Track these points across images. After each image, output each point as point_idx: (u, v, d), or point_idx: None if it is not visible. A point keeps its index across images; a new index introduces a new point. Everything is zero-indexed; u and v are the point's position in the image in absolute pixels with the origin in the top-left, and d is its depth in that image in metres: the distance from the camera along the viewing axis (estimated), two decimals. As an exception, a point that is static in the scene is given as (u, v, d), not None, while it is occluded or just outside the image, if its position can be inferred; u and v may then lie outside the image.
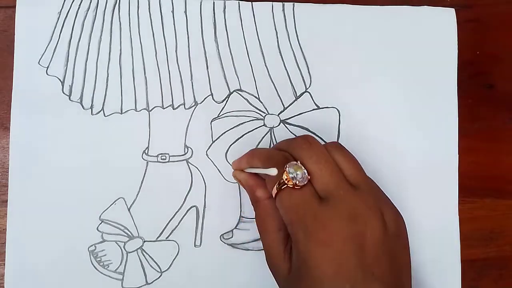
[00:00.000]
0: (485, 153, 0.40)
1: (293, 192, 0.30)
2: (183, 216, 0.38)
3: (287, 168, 0.30)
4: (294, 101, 0.39)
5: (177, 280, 0.37)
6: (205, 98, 0.39)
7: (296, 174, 0.30)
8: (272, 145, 0.39)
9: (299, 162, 0.31)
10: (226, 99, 0.39)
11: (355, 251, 0.29)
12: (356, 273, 0.28)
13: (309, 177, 0.30)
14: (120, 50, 0.39)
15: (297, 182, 0.30)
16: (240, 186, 0.38)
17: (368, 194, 0.31)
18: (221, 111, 0.39)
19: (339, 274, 0.28)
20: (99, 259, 0.37)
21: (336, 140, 0.39)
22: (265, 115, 0.39)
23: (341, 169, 0.31)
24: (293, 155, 0.32)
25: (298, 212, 0.30)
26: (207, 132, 0.39)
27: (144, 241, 0.38)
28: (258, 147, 0.39)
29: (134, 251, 0.37)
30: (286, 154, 0.32)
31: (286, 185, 0.30)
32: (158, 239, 0.38)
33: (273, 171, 0.31)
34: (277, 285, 0.37)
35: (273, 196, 0.32)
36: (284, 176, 0.30)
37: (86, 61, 0.39)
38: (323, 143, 0.39)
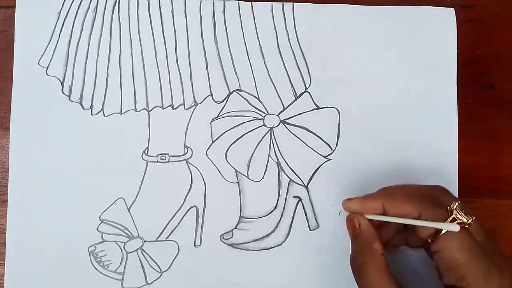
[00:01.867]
0: (485, 153, 0.40)
1: (459, 235, 0.30)
2: (183, 216, 0.38)
3: (455, 205, 0.30)
4: (294, 101, 0.39)
5: (177, 280, 0.37)
6: (205, 98, 0.39)
7: (464, 212, 0.30)
8: (271, 146, 0.39)
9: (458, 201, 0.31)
10: (226, 99, 0.39)
11: None
12: None
13: (473, 218, 0.31)
14: (120, 50, 0.39)
15: (469, 221, 0.30)
16: (240, 186, 0.38)
17: None
18: (221, 111, 0.39)
19: None
20: (99, 259, 0.37)
21: (336, 141, 0.39)
22: (265, 115, 0.39)
23: None
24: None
25: (470, 255, 0.30)
26: (207, 132, 0.39)
27: (144, 241, 0.38)
28: (257, 148, 0.39)
29: (134, 251, 0.37)
30: (432, 198, 0.32)
31: (447, 229, 0.30)
32: (158, 239, 0.38)
33: (456, 228, 0.30)
34: (276, 284, 0.37)
35: (430, 240, 0.31)
36: (458, 215, 0.30)
37: (86, 62, 0.39)
38: (323, 143, 0.39)
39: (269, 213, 0.38)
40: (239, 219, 0.38)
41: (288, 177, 0.39)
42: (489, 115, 0.41)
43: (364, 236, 0.33)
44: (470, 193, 0.40)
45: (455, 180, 0.39)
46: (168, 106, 0.39)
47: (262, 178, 0.39)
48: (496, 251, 0.31)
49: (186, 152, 0.38)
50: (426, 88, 0.40)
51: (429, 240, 0.31)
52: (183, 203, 0.38)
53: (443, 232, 0.30)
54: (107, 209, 0.37)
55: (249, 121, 0.39)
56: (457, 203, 0.30)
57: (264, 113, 0.39)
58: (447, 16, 0.41)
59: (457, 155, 0.39)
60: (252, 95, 0.39)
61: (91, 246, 0.37)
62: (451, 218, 0.30)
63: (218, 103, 0.39)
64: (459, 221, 0.30)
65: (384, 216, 0.32)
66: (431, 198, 0.32)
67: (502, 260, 0.31)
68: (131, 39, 0.39)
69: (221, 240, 0.38)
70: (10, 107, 0.38)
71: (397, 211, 0.32)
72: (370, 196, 0.33)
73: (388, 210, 0.32)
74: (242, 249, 0.38)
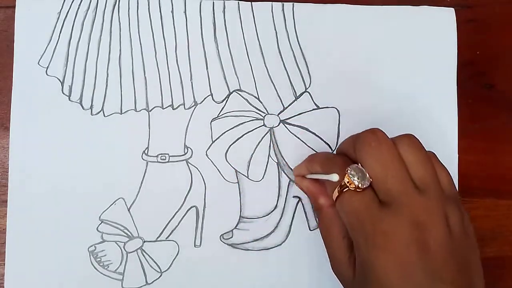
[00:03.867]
0: (485, 153, 0.40)
1: (354, 195, 0.29)
2: (183, 216, 0.38)
3: (348, 171, 0.29)
4: (294, 101, 0.39)
5: (177, 280, 0.37)
6: (204, 98, 0.39)
7: (358, 177, 0.29)
8: (271, 146, 0.39)
9: (359, 164, 0.30)
10: (226, 99, 0.39)
11: (420, 257, 0.28)
12: (423, 278, 0.28)
13: (371, 180, 0.29)
14: (120, 50, 0.39)
15: (359, 185, 0.29)
16: (240, 186, 0.38)
17: (434, 198, 0.29)
18: (220, 111, 0.39)
19: (405, 280, 0.28)
20: (99, 259, 0.37)
21: (336, 141, 0.39)
22: (265, 115, 0.39)
23: (409, 170, 0.30)
24: (357, 154, 0.30)
25: (359, 217, 0.29)
26: (207, 132, 0.39)
27: (144, 241, 0.38)
28: (257, 148, 0.39)
29: (134, 251, 0.37)
30: (345, 157, 0.32)
31: (347, 189, 0.30)
32: (158, 239, 0.38)
33: (334, 177, 0.30)
34: (276, 284, 0.37)
35: (334, 199, 0.31)
36: (346, 179, 0.29)
37: (86, 61, 0.39)
38: (323, 143, 0.39)
39: (269, 213, 0.38)
40: (239, 219, 0.38)
41: (288, 177, 0.39)
42: (489, 115, 0.41)
43: (310, 194, 0.36)
44: (470, 193, 0.40)
45: (455, 180, 0.39)
46: (168, 106, 0.39)
47: (262, 178, 0.39)
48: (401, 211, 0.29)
49: (186, 152, 0.38)
50: (426, 88, 0.40)
51: (334, 199, 0.31)
52: (183, 203, 0.38)
53: (335, 192, 0.31)
54: (107, 209, 0.37)
55: (249, 121, 0.39)
56: (353, 167, 0.30)
57: (264, 113, 0.39)
58: (447, 16, 0.41)
59: (457, 155, 0.40)
60: (252, 95, 0.39)
61: (91, 246, 0.37)
62: (344, 182, 0.30)
63: (218, 103, 0.39)
64: (348, 182, 0.29)
65: (311, 174, 0.35)
66: (341, 161, 0.31)
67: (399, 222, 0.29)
68: (131, 39, 0.39)
69: (221, 240, 0.38)
70: (10, 107, 0.38)
71: (312, 170, 0.35)
72: (303, 160, 0.36)
73: (309, 170, 0.35)
74: (242, 249, 0.38)
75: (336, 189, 0.30)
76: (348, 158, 0.31)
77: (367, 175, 0.29)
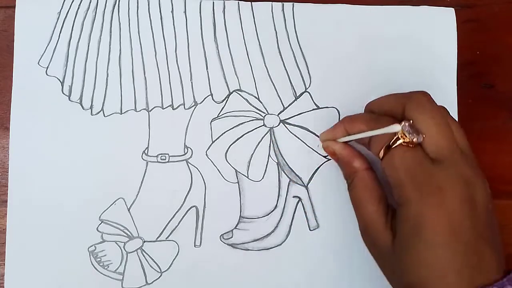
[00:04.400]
0: (485, 153, 0.40)
1: (407, 151, 0.30)
2: (183, 216, 0.38)
3: (403, 126, 0.29)
4: (294, 101, 0.39)
5: (177, 280, 0.37)
6: (204, 98, 0.39)
7: (413, 132, 0.29)
8: (271, 146, 0.39)
9: (411, 121, 0.30)
10: (226, 99, 0.39)
11: (469, 214, 0.29)
12: (470, 235, 0.28)
13: (424, 137, 0.30)
14: (120, 50, 0.39)
15: (414, 140, 0.29)
16: (240, 186, 0.38)
17: (474, 162, 0.31)
18: (220, 111, 0.39)
19: (453, 236, 0.28)
20: (99, 259, 0.37)
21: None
22: (265, 115, 0.39)
23: (452, 133, 0.31)
24: (412, 112, 0.30)
25: (412, 173, 0.29)
26: (207, 132, 0.39)
27: (144, 241, 0.38)
28: (257, 148, 0.39)
29: (134, 251, 0.37)
30: (389, 116, 0.32)
31: (396, 145, 0.30)
32: (158, 239, 0.38)
33: (395, 128, 0.29)
34: (276, 284, 0.37)
35: (380, 157, 0.31)
36: (400, 134, 0.29)
37: (86, 62, 0.39)
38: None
39: (269, 213, 0.38)
40: (239, 219, 0.38)
41: (288, 177, 0.39)
42: (489, 115, 0.41)
43: (344, 157, 0.35)
44: (470, 193, 0.40)
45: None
46: (168, 106, 0.39)
47: (262, 178, 0.39)
48: (460, 167, 0.30)
49: (186, 152, 0.38)
50: (426, 88, 0.40)
51: (380, 157, 0.31)
52: (183, 203, 0.38)
53: (392, 147, 0.30)
54: (107, 209, 0.37)
55: (249, 121, 0.39)
56: (407, 123, 0.30)
57: (264, 113, 0.39)
58: (447, 16, 0.41)
59: (457, 155, 0.39)
60: (252, 95, 0.39)
61: (91, 246, 0.37)
62: (395, 138, 0.30)
63: (218, 103, 0.39)
64: (403, 140, 0.29)
65: (349, 136, 0.34)
66: (387, 119, 0.32)
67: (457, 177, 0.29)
68: (131, 39, 0.39)
69: (221, 240, 0.38)
70: (10, 107, 0.38)
71: (353, 131, 0.34)
72: (337, 123, 0.35)
73: (349, 132, 0.34)
74: (242, 249, 0.38)
75: (385, 146, 0.30)
76: (390, 118, 0.32)
77: (420, 132, 0.30)
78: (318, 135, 0.39)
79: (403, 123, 0.29)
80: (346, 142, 0.35)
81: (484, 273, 0.28)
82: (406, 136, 0.29)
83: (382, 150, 0.31)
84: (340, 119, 0.39)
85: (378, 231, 0.32)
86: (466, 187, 0.29)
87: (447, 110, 0.32)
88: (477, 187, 0.30)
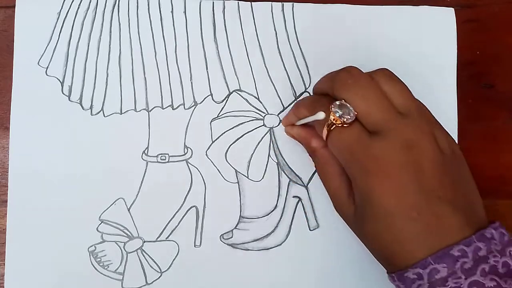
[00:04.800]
0: (485, 153, 0.40)
1: (342, 131, 0.30)
2: (183, 216, 0.38)
3: (332, 109, 0.30)
4: (294, 101, 0.39)
5: (177, 280, 0.37)
6: (204, 98, 0.39)
7: (343, 112, 0.30)
8: (271, 146, 0.39)
9: (343, 100, 0.30)
10: (226, 99, 0.39)
11: (415, 178, 0.28)
12: (420, 199, 0.28)
13: (356, 113, 0.30)
14: (120, 50, 0.39)
15: (345, 120, 0.30)
16: (240, 186, 0.38)
17: (419, 120, 0.30)
18: (220, 111, 0.39)
19: (402, 203, 0.28)
20: (99, 259, 0.37)
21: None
22: (265, 115, 0.39)
23: (390, 98, 0.30)
24: (338, 92, 0.31)
25: (351, 150, 0.30)
26: (206, 132, 0.39)
27: (144, 242, 0.38)
28: (257, 148, 0.39)
29: (134, 251, 0.37)
30: (329, 97, 0.32)
31: (334, 126, 0.30)
32: (158, 239, 0.38)
33: (320, 115, 0.30)
34: (276, 284, 0.37)
35: (325, 139, 0.32)
36: (331, 117, 0.30)
37: (86, 62, 0.39)
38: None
39: (269, 213, 0.38)
40: (239, 219, 0.38)
41: (288, 177, 0.39)
42: (489, 115, 0.41)
43: (302, 139, 0.36)
44: (470, 193, 0.40)
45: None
46: (168, 106, 0.39)
47: (262, 178, 0.39)
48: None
49: (186, 152, 0.38)
50: (425, 88, 0.40)
51: (324, 141, 0.32)
52: (183, 203, 0.38)
53: (324, 131, 0.31)
54: (107, 209, 0.37)
55: (249, 121, 0.39)
56: (336, 105, 0.30)
57: (264, 113, 0.39)
58: (447, 16, 0.40)
59: (457, 155, 0.39)
60: (252, 95, 0.39)
61: (91, 246, 0.37)
62: (330, 116, 0.30)
63: (218, 103, 0.39)
64: (333, 119, 0.30)
65: (300, 120, 0.35)
66: (324, 101, 0.32)
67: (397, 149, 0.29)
68: (130, 39, 0.39)
69: (221, 240, 0.38)
70: (10, 107, 0.38)
71: (299, 116, 0.35)
72: (290, 109, 0.37)
73: (297, 117, 0.35)
74: (242, 249, 0.38)
75: (325, 128, 0.31)
76: (332, 96, 0.32)
77: (352, 109, 0.30)
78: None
79: (331, 106, 0.30)
80: (303, 124, 0.36)
81: (447, 234, 0.28)
82: (338, 118, 0.30)
83: (324, 131, 0.31)
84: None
85: (342, 203, 0.33)
86: (406, 151, 0.29)
87: (381, 73, 0.32)
88: (422, 146, 0.29)
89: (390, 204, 0.28)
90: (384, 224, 0.29)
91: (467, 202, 0.30)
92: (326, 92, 0.33)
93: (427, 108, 0.32)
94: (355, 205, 0.31)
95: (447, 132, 0.32)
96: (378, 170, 0.29)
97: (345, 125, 0.30)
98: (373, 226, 0.29)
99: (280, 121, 0.39)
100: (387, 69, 0.32)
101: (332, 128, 0.31)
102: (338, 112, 0.30)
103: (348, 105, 0.30)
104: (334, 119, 0.30)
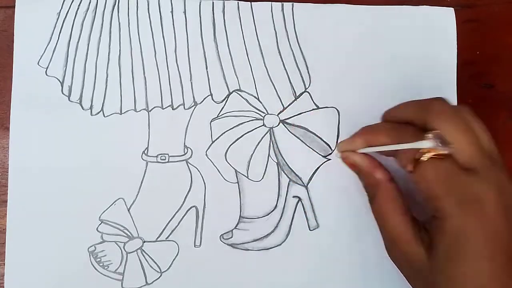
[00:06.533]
0: (485, 153, 0.40)
1: (438, 163, 0.29)
2: (183, 216, 0.38)
3: (430, 137, 0.29)
4: (294, 101, 0.39)
5: (177, 280, 0.37)
6: (204, 98, 0.39)
7: (440, 144, 0.29)
8: (271, 146, 0.39)
9: (438, 131, 0.29)
10: (226, 99, 0.39)
11: (508, 224, 0.28)
12: (510, 245, 0.28)
13: (453, 147, 0.29)
14: (120, 50, 0.39)
15: (445, 152, 0.29)
16: (240, 186, 0.38)
17: (503, 165, 0.30)
18: (220, 111, 0.39)
19: (496, 247, 0.28)
20: (99, 259, 0.37)
21: (336, 140, 0.39)
22: (265, 115, 0.39)
23: (477, 137, 0.30)
24: (435, 123, 0.29)
25: (447, 185, 0.29)
26: (206, 132, 0.39)
27: (144, 242, 0.38)
28: (257, 148, 0.39)
29: (134, 251, 0.37)
30: (412, 126, 0.31)
31: (427, 157, 0.29)
32: (158, 239, 0.38)
33: (426, 144, 0.29)
34: (276, 284, 0.37)
35: (409, 170, 0.30)
36: (426, 147, 0.29)
37: (85, 62, 0.39)
38: (323, 143, 0.39)
39: (269, 213, 0.38)
40: (239, 219, 0.38)
41: (288, 177, 0.39)
42: (489, 115, 0.41)
43: (365, 169, 0.34)
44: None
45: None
46: (168, 106, 0.39)
47: (262, 178, 0.39)
48: (491, 173, 0.29)
49: (186, 152, 0.38)
50: (425, 88, 0.40)
51: (409, 171, 0.30)
52: (183, 203, 0.38)
53: (421, 159, 0.30)
54: (107, 209, 0.37)
55: (249, 121, 0.39)
56: (432, 134, 0.29)
57: (264, 113, 0.39)
58: (447, 16, 0.40)
59: (457, 155, 0.39)
60: (252, 95, 0.39)
61: (91, 246, 0.37)
62: (423, 150, 0.29)
63: (218, 103, 0.39)
64: (433, 152, 0.29)
65: (370, 148, 0.33)
66: (409, 129, 0.31)
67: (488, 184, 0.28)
68: (130, 40, 0.39)
69: (221, 240, 0.38)
70: (10, 107, 0.38)
71: (375, 143, 0.33)
72: (355, 134, 0.35)
73: (370, 144, 0.33)
74: (242, 249, 0.38)
75: (413, 159, 0.30)
76: (414, 128, 0.31)
77: (449, 142, 0.29)
78: (318, 135, 0.39)
79: (430, 135, 0.29)
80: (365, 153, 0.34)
81: None
82: (436, 149, 0.29)
83: (411, 163, 0.30)
84: (340, 120, 0.39)
85: (408, 244, 0.30)
86: (502, 195, 0.28)
87: (468, 111, 0.31)
88: (511, 193, 0.29)
89: (488, 247, 0.28)
90: (477, 267, 0.28)
91: None
92: (411, 121, 0.32)
93: None
94: (427, 248, 0.30)
95: None
96: (478, 209, 0.28)
97: (440, 157, 0.29)
98: (462, 269, 0.28)
99: (280, 121, 0.39)
100: (469, 107, 0.31)
101: (421, 159, 0.29)
102: (437, 143, 0.29)
103: (445, 136, 0.29)
104: (431, 149, 0.29)
